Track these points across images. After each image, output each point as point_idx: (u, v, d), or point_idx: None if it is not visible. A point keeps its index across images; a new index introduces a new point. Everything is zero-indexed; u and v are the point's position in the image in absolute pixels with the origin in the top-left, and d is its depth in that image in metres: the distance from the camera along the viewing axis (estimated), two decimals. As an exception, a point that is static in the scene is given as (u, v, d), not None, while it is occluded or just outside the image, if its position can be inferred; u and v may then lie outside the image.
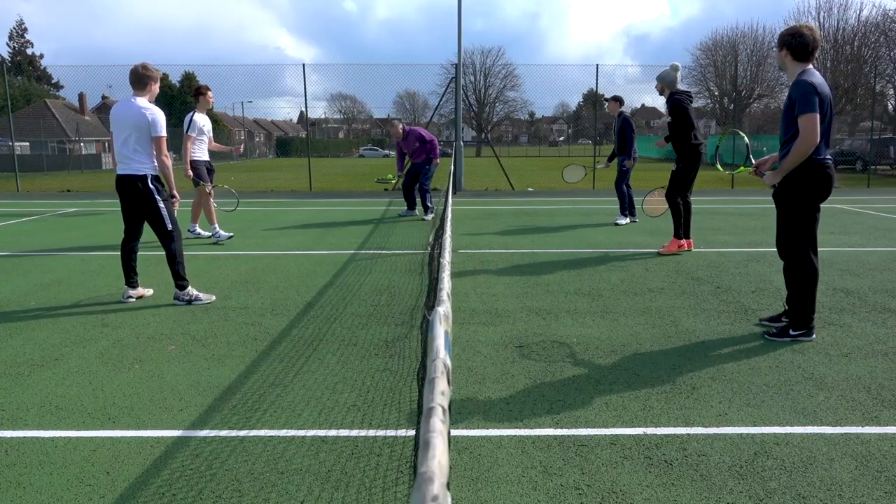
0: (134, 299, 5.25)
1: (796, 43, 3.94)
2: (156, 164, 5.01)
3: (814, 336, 4.13)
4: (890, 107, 37.01)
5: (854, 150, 26.25)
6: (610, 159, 9.98)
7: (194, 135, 7.74)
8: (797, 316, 4.12)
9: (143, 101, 4.93)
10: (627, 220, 9.64)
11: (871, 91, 27.61)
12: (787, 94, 4.11)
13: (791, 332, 4.13)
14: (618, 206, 9.86)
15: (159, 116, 4.91)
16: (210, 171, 8.08)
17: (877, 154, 23.66)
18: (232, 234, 8.31)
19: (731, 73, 41.58)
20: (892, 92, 35.97)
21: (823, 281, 5.71)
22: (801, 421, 2.98)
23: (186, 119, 7.77)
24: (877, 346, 4.00)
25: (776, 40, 4.15)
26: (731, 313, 4.76)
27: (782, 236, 4.18)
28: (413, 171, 10.47)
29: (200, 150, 7.89)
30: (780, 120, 4.15)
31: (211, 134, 8.07)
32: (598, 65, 16.00)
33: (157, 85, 5.07)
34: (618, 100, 9.45)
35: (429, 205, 10.35)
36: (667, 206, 7.29)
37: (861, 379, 3.48)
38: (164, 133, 4.92)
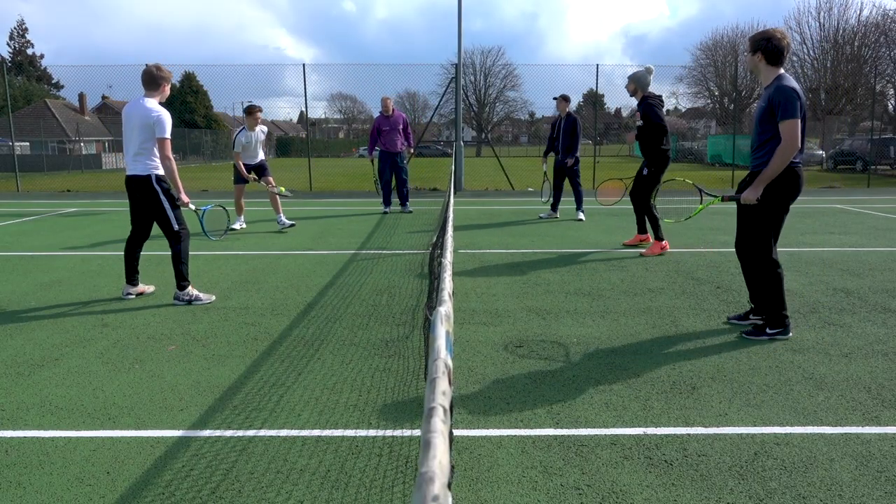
0: (134, 296, 5.28)
1: (771, 47, 3.98)
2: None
3: (791, 333, 4.15)
4: (890, 107, 36.98)
5: (854, 150, 26.23)
6: (555, 158, 10.22)
7: (239, 151, 8.95)
8: (772, 315, 4.15)
9: (151, 102, 4.95)
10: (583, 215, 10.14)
11: (871, 91, 27.60)
12: (760, 99, 4.14)
13: (768, 330, 4.16)
14: (574, 206, 10.36)
15: (165, 118, 4.93)
16: (255, 168, 9.08)
17: (877, 154, 23.63)
18: (294, 222, 9.52)
19: (731, 73, 41.59)
20: (892, 92, 35.93)
21: (823, 281, 5.71)
22: (801, 421, 2.98)
23: (234, 136, 9.01)
24: (877, 346, 4.00)
25: (747, 44, 4.18)
26: (731, 313, 4.75)
27: (747, 238, 4.24)
28: (390, 162, 10.65)
29: (248, 158, 9.05)
30: (754, 123, 4.17)
31: (260, 141, 9.11)
32: (598, 65, 16.02)
33: (168, 83, 5.11)
34: (567, 99, 9.83)
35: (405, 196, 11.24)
36: (617, 198, 7.70)
37: (861, 379, 3.48)
38: (167, 135, 4.91)
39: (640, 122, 7.02)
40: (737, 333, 4.28)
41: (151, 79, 4.97)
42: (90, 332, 4.37)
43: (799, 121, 3.87)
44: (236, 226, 9.18)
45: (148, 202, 5.03)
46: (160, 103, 5.05)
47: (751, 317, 4.46)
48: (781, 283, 4.12)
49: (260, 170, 9.14)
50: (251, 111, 8.86)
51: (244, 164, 9.00)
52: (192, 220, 5.67)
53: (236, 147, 8.96)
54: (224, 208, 6.58)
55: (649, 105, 6.89)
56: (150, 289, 5.42)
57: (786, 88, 3.89)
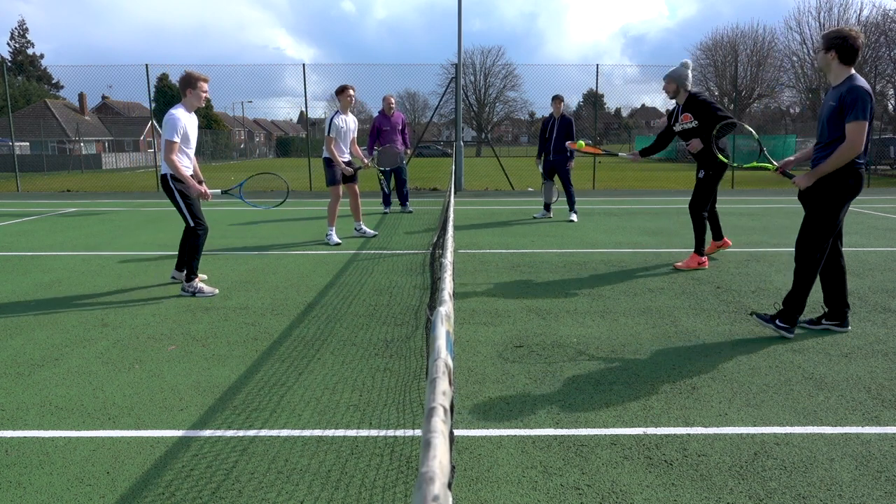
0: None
1: (846, 45, 3.93)
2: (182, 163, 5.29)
3: (793, 334, 4.17)
4: (890, 107, 37.00)
5: (854, 150, 26.14)
6: (542, 157, 10.21)
7: (333, 136, 7.58)
8: (788, 309, 4.17)
9: (175, 108, 5.23)
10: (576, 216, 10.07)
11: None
12: (827, 96, 4.10)
13: (778, 322, 4.19)
14: (566, 206, 10.28)
15: (169, 120, 5.14)
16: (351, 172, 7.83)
17: (877, 154, 23.62)
18: (340, 242, 7.83)
19: (731, 73, 41.60)
20: (892, 92, 35.95)
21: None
22: (801, 421, 2.98)
23: (326, 120, 7.68)
24: (877, 346, 4.00)
25: (821, 42, 4.10)
26: (731, 313, 4.76)
27: (805, 232, 4.19)
28: None
29: (339, 151, 7.65)
30: (820, 121, 4.12)
31: (354, 135, 7.86)
32: (598, 65, 16.01)
33: (198, 90, 5.24)
34: (563, 100, 9.83)
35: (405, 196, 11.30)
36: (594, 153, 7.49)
37: (861, 379, 3.48)
38: (168, 137, 5.12)
39: (693, 124, 6.16)
40: (737, 333, 4.28)
41: (179, 84, 5.30)
42: (90, 332, 4.37)
43: (867, 123, 3.87)
44: (333, 240, 7.77)
45: (169, 199, 5.35)
46: (194, 106, 5.30)
47: (823, 321, 4.34)
48: (812, 284, 4.13)
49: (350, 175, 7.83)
50: (343, 90, 7.57)
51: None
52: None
53: (331, 131, 7.53)
54: (285, 181, 6.28)
55: (705, 102, 6.10)
56: (202, 277, 5.71)
57: (859, 89, 3.88)
